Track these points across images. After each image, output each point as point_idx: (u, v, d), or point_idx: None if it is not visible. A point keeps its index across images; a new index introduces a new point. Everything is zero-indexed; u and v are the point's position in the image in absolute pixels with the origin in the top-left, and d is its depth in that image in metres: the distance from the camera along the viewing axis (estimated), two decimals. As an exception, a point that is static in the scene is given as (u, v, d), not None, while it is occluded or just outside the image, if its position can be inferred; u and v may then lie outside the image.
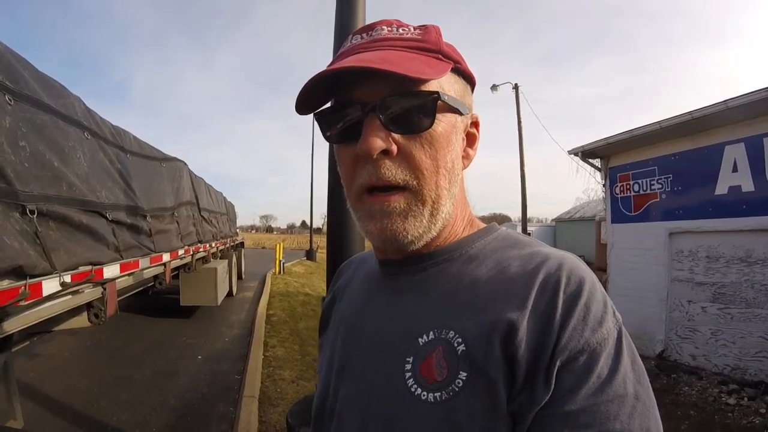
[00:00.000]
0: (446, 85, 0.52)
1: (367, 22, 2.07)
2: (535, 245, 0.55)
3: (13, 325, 1.91)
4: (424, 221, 0.51)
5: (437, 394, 0.47)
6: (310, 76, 0.50)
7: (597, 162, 7.31)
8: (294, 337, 6.30)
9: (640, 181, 6.21)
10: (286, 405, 3.86)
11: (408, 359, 0.50)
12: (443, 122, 0.51)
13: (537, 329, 0.45)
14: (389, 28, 0.54)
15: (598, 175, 7.52)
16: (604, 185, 7.15)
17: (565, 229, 25.63)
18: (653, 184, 5.99)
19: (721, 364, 4.97)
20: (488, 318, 0.47)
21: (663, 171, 5.86)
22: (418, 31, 0.54)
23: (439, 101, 0.50)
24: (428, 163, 0.50)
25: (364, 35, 0.54)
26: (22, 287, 1.83)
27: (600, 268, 9.86)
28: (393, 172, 0.50)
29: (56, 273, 2.12)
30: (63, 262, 2.20)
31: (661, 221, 5.84)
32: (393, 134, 0.50)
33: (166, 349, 5.67)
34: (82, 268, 2.43)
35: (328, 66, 0.50)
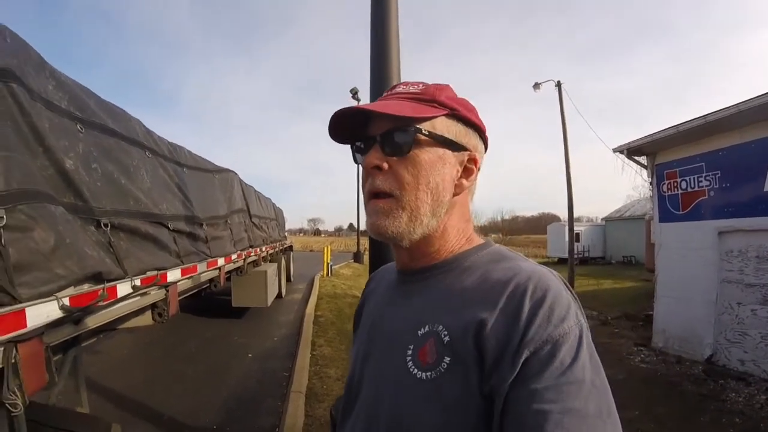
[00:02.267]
0: (439, 125, 0.69)
1: (401, 26, 2.23)
2: (517, 260, 0.68)
3: (91, 322, 2.18)
4: (402, 223, 0.67)
5: (428, 374, 0.61)
6: (333, 114, 0.72)
7: (643, 159, 7.10)
8: (341, 337, 6.50)
9: (687, 179, 6.02)
10: (331, 400, 4.04)
11: (410, 347, 0.65)
12: (429, 152, 0.68)
13: (505, 325, 0.56)
14: (404, 87, 0.73)
15: (644, 172, 7.30)
16: (650, 183, 6.94)
17: (614, 228, 24.74)
18: (701, 181, 5.80)
19: (771, 370, 4.77)
20: (467, 316, 0.60)
21: (711, 167, 5.66)
22: (422, 86, 0.72)
23: (421, 135, 0.67)
24: (410, 179, 0.67)
25: (389, 91, 0.75)
26: (101, 290, 2.09)
27: (650, 269, 9.54)
28: (382, 182, 0.68)
29: (128, 278, 2.39)
30: (133, 268, 2.48)
31: (709, 220, 5.65)
32: (387, 157, 0.68)
33: (218, 347, 6.02)
34: (149, 273, 2.70)
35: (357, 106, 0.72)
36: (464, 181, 0.72)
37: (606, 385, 0.54)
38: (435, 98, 0.69)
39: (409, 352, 0.65)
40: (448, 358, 0.60)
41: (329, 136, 0.75)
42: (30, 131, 1.86)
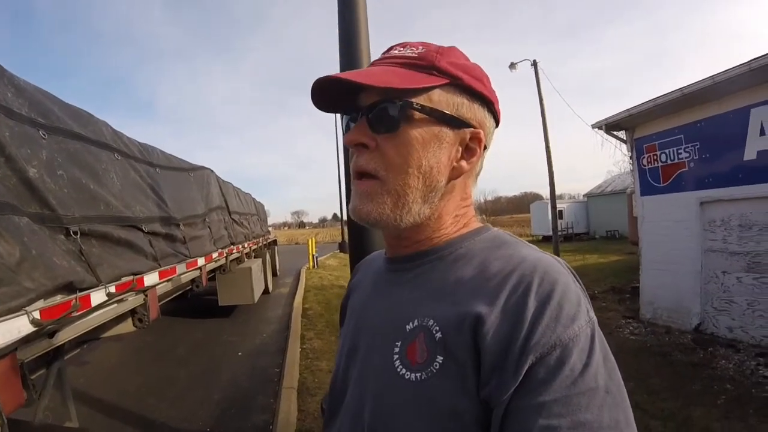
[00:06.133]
0: (437, 96, 0.59)
1: (370, 22, 2.15)
2: (519, 247, 0.60)
3: (68, 334, 2.12)
4: (386, 208, 0.59)
5: (418, 374, 0.53)
6: (314, 81, 0.61)
7: (622, 134, 7.13)
8: (330, 329, 6.46)
9: (666, 151, 6.03)
10: (323, 393, 3.99)
11: (397, 344, 0.58)
12: (422, 130, 0.58)
13: (506, 324, 0.49)
14: (400, 49, 0.63)
15: (624, 147, 7.34)
16: (630, 157, 6.98)
17: (597, 203, 25.10)
18: (680, 153, 5.80)
19: (759, 336, 4.85)
20: (462, 310, 0.53)
21: (689, 139, 5.67)
22: (420, 49, 0.61)
23: (412, 110, 0.57)
24: (398, 160, 0.58)
25: (384, 54, 0.65)
26: (74, 300, 2.01)
27: (633, 242, 9.66)
28: (366, 162, 0.60)
29: (102, 285, 2.30)
30: (107, 275, 2.39)
31: (691, 191, 5.67)
32: (374, 133, 0.59)
33: (207, 348, 5.95)
34: (124, 279, 2.61)
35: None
36: (464, 164, 0.62)
37: (622, 391, 0.49)
38: (434, 64, 0.59)
39: (397, 349, 0.58)
40: (441, 357, 0.53)
41: (313, 105, 0.65)
42: (-11, 142, 1.79)
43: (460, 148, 0.62)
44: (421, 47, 0.62)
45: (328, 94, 0.63)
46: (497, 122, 0.67)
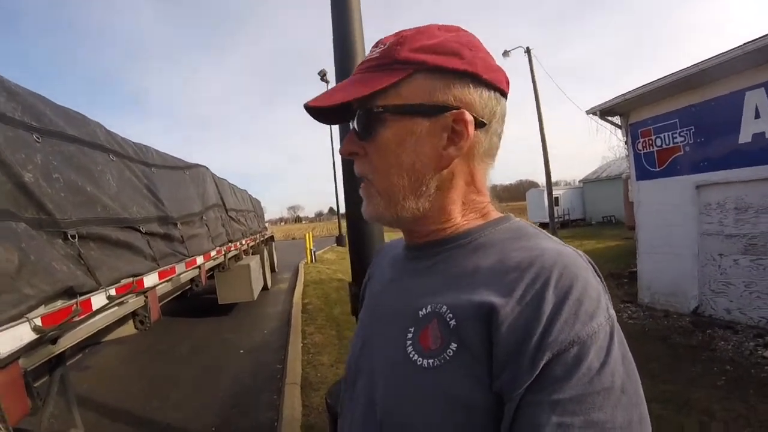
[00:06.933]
0: (405, 89, 0.57)
1: (366, 12, 2.10)
2: (540, 238, 0.58)
3: (70, 339, 2.11)
4: (380, 207, 0.63)
5: (431, 361, 0.53)
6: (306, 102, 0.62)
7: (617, 119, 7.12)
8: (330, 323, 6.49)
9: (662, 135, 6.01)
10: (326, 388, 4.01)
11: (410, 330, 0.57)
12: (394, 128, 0.58)
13: (523, 318, 0.48)
14: (373, 50, 0.62)
15: (619, 132, 7.34)
16: (625, 142, 6.98)
17: (592, 189, 25.17)
18: (676, 137, 5.80)
19: (757, 317, 4.90)
20: (476, 299, 0.52)
21: (684, 123, 5.66)
22: (386, 45, 0.60)
23: (379, 112, 0.58)
24: (380, 162, 0.60)
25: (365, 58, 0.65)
26: (74, 305, 2.01)
27: (630, 227, 9.72)
28: (359, 168, 0.64)
29: (102, 288, 2.30)
30: (107, 278, 2.38)
31: (686, 175, 5.67)
32: (361, 141, 0.62)
33: (209, 346, 5.96)
34: (124, 281, 2.60)
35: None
36: (451, 150, 0.58)
37: (638, 389, 0.48)
38: (394, 58, 0.57)
39: (410, 335, 0.57)
40: (455, 345, 0.52)
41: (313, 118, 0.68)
42: (-17, 148, 1.78)
43: (445, 134, 0.58)
44: (388, 42, 0.60)
45: (323, 111, 0.65)
46: (499, 90, 0.61)
